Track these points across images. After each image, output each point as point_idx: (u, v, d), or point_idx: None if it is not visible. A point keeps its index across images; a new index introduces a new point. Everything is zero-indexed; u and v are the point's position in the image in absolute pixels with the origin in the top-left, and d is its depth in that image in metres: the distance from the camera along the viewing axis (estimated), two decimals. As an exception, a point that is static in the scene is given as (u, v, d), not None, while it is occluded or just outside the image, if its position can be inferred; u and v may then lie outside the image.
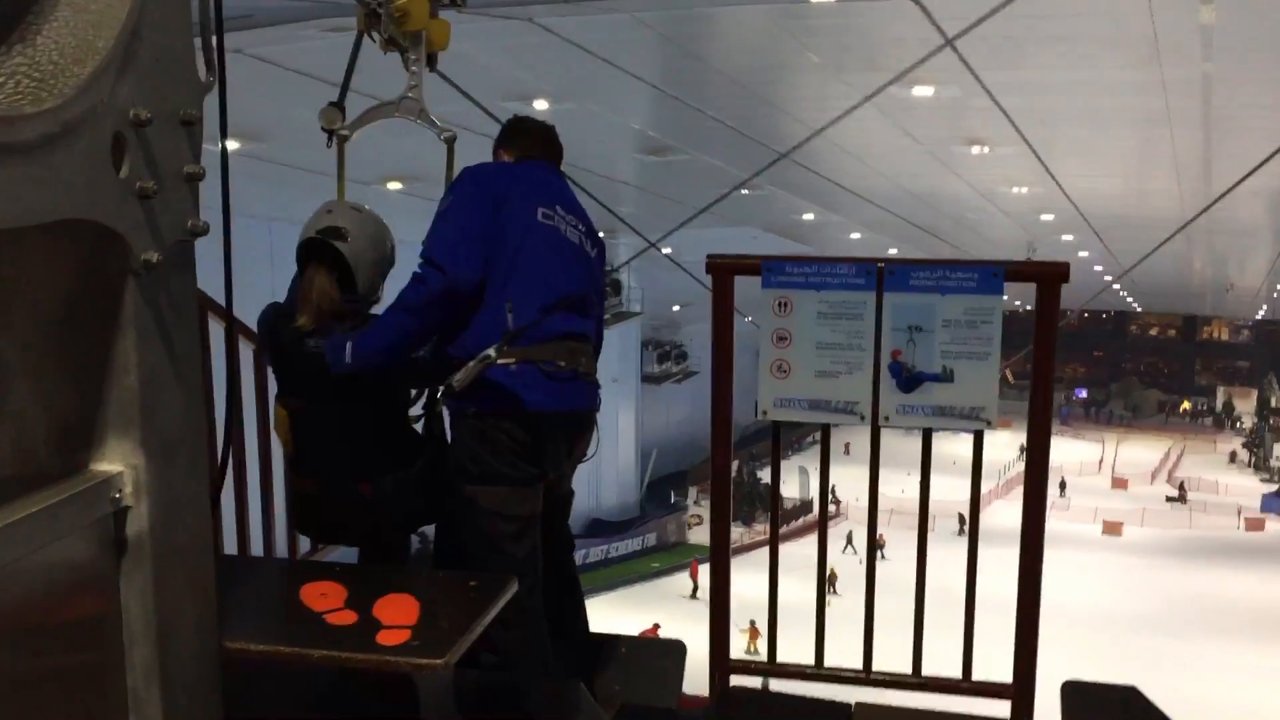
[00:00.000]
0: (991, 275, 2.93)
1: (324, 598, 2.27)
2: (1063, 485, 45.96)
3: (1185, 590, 32.31)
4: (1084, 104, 16.14)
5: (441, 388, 3.09)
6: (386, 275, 3.26)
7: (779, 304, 3.04)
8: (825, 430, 3.22)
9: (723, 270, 3.09)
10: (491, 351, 2.93)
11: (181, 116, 1.83)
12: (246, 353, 3.89)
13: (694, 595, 28.42)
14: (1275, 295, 41.30)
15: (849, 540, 27.95)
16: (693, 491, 38.84)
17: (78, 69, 1.59)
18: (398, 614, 2.21)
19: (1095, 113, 16.68)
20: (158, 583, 1.82)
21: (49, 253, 1.70)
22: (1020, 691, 3.13)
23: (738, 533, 30.63)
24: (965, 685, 3.23)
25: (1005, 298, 2.94)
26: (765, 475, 34.79)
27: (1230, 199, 22.03)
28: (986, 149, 18.84)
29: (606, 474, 35.69)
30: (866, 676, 3.26)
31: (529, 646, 3.14)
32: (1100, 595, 31.54)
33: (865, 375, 3.02)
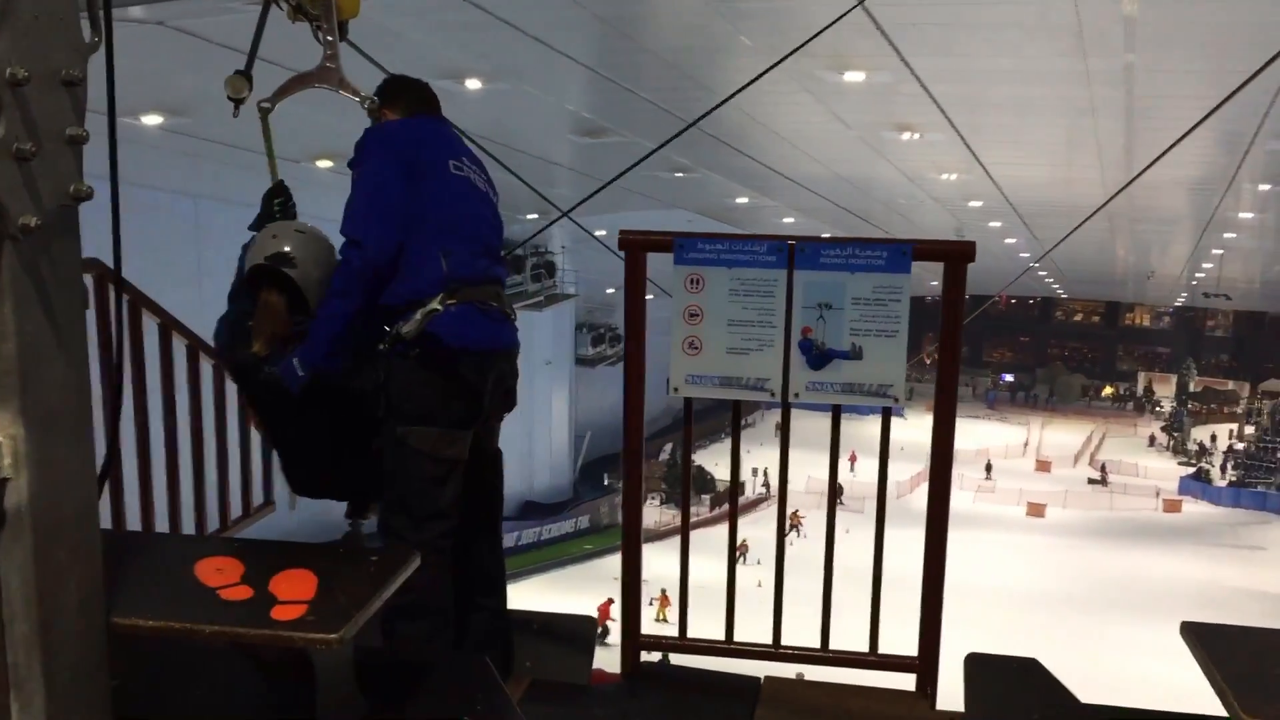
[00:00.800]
0: (900, 254, 2.96)
1: (219, 573, 2.23)
2: (989, 468, 46.81)
3: (1104, 569, 33.17)
4: (1010, 92, 16.38)
5: (386, 338, 3.11)
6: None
7: (691, 280, 3.05)
8: (736, 407, 3.24)
9: (635, 246, 3.09)
10: (436, 304, 3.05)
11: (63, 77, 1.77)
12: (152, 327, 3.81)
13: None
14: (1194, 283, 42.33)
15: (794, 524, 28.15)
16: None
17: (-53, 24, 1.53)
18: (295, 589, 2.17)
19: (1021, 101, 16.93)
20: (38, 556, 1.78)
21: (-81, 215, 1.65)
22: (925, 664, 3.19)
23: (670, 514, 30.76)
24: (872, 659, 3.28)
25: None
26: (698, 458, 35.01)
27: (1152, 188, 22.55)
28: (916, 135, 19.04)
29: (540, 456, 35.65)
30: (775, 650, 3.29)
31: (434, 590, 3.19)
32: (1021, 575, 32.27)
33: (776, 352, 3.04)
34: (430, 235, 3.13)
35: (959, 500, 42.13)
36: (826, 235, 22.36)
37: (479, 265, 3.22)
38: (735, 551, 3.38)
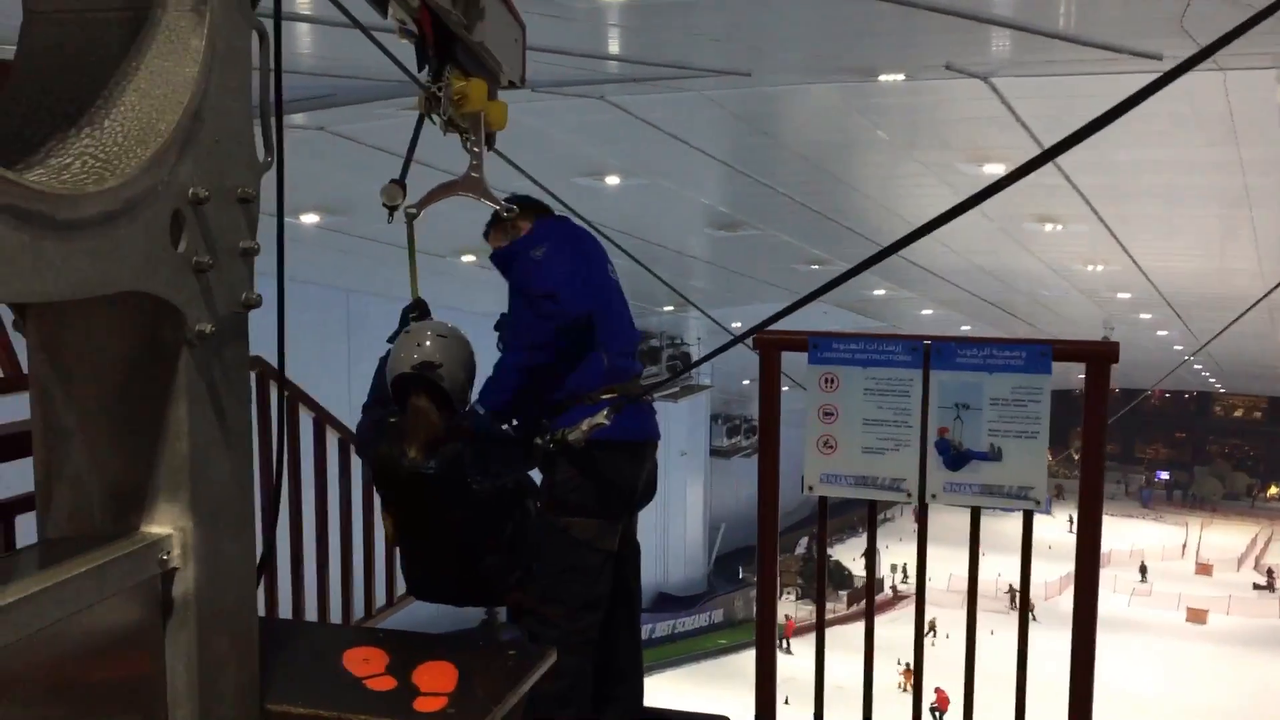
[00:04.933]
0: (1039, 354, 2.91)
1: (366, 663, 2.31)
2: (1144, 570, 44.56)
3: (1272, 682, 30.97)
4: (1160, 182, 15.97)
5: (548, 442, 3.22)
6: (474, 382, 3.44)
7: (826, 380, 3.05)
8: (872, 507, 3.21)
9: (770, 346, 3.12)
10: (603, 418, 3.19)
11: (239, 195, 1.92)
12: (307, 420, 3.99)
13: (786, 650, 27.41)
14: (1366, 377, 39.99)
15: (932, 627, 27.05)
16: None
17: (141, 150, 1.69)
18: (436, 681, 2.24)
19: (1172, 190, 16.49)
20: (202, 644, 1.88)
21: (109, 322, 1.80)
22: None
23: (805, 610, 30.11)
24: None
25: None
26: (836, 553, 34.29)
27: (1315, 278, 21.42)
28: (1060, 226, 18.67)
29: (674, 548, 35.46)
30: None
31: (581, 678, 3.28)
32: (1183, 686, 30.42)
33: (912, 452, 3.00)
34: (591, 334, 3.34)
35: (1113, 603, 40.20)
36: (966, 328, 22.09)
37: (627, 363, 3.48)
38: (872, 650, 3.30)
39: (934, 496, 3.01)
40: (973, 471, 2.98)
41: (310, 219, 16.18)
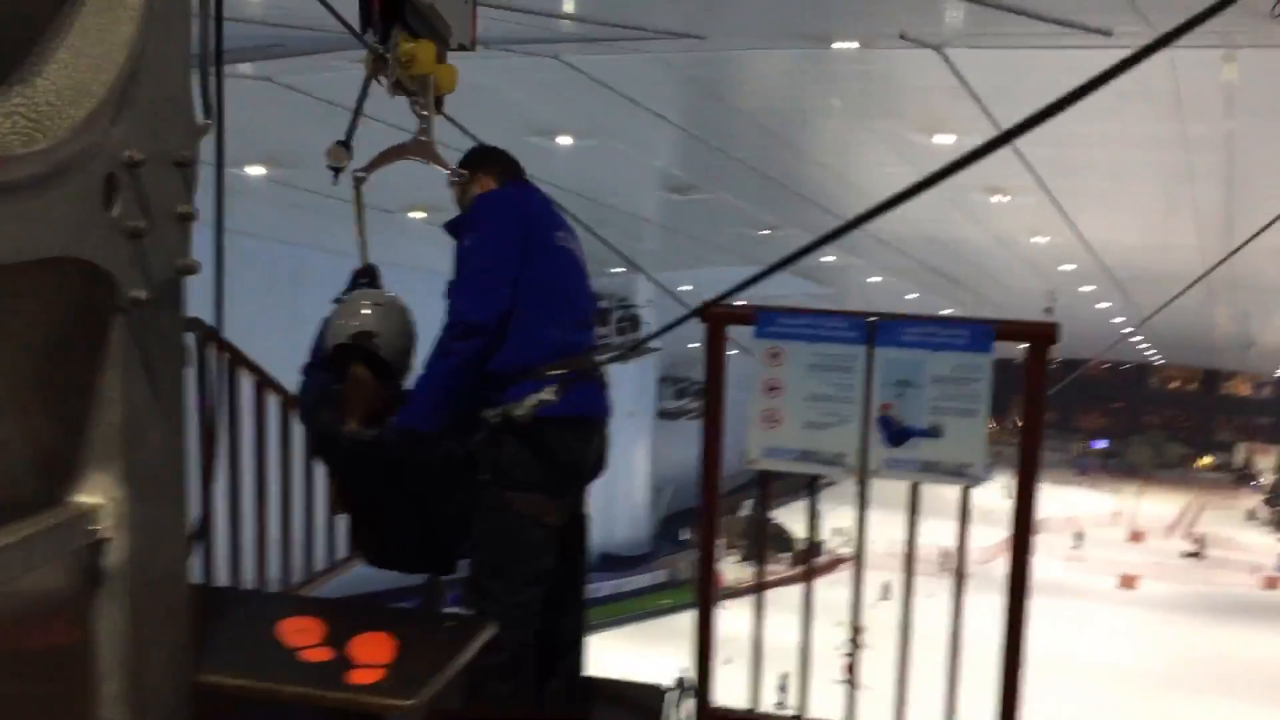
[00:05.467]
0: (982, 334, 2.94)
1: (302, 633, 2.29)
2: (1079, 536, 45.55)
3: (1199, 647, 31.92)
4: (1107, 156, 16.16)
5: (494, 416, 3.18)
6: (413, 351, 3.41)
7: (771, 354, 3.06)
8: (813, 481, 3.23)
9: (718, 319, 3.12)
10: (549, 394, 3.10)
11: (175, 158, 1.87)
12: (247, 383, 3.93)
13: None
14: (1298, 353, 41.00)
15: (886, 590, 27.37)
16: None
17: (73, 111, 1.63)
18: (373, 652, 2.22)
19: (1117, 165, 16.69)
20: (133, 615, 1.85)
21: (38, 288, 1.75)
22: (1002, 751, 3.11)
23: (748, 572, 30.41)
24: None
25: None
26: (779, 517, 34.65)
27: (1253, 256, 21.92)
28: (1008, 198, 18.85)
29: (619, 509, 35.59)
30: (848, 729, 3.24)
31: (524, 651, 3.26)
32: (1113, 649, 31.23)
33: (854, 428, 3.03)
34: (539, 306, 3.24)
35: (1047, 569, 40.99)
36: (913, 295, 22.28)
37: (580, 335, 3.38)
38: (810, 624, 3.34)
39: (875, 472, 3.04)
40: (913, 448, 3.01)
41: (257, 171, 15.91)
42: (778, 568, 34.06)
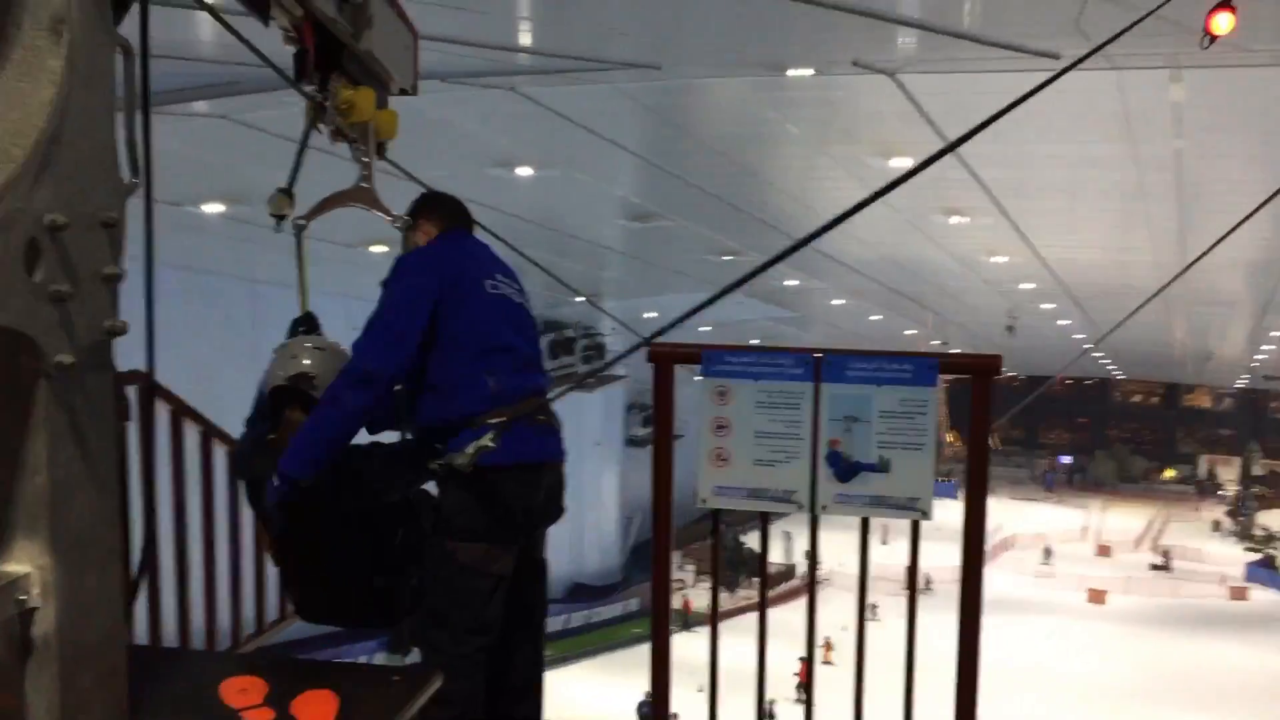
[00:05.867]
0: (927, 367, 2.97)
1: (243, 694, 2.25)
2: (1048, 552, 45.88)
3: (1168, 659, 32.20)
4: (1060, 177, 16.38)
5: (438, 466, 3.15)
6: None
7: (718, 393, 3.07)
8: (764, 519, 3.24)
9: (664, 358, 3.13)
10: (489, 440, 3.05)
11: (101, 219, 1.85)
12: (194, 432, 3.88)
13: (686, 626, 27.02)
14: (1254, 365, 41.56)
15: (873, 610, 27.05)
16: (677, 556, 38.56)
17: (-9, 178, 1.62)
18: (316, 711, 2.19)
19: (1072, 185, 16.93)
20: (64, 683, 1.81)
21: (-41, 355, 1.72)
22: (960, 783, 3.12)
23: (721, 597, 30.37)
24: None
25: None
26: (749, 540, 34.68)
27: (1208, 271, 22.30)
28: (966, 219, 19.05)
29: (589, 538, 35.51)
30: (806, 767, 3.24)
31: (470, 703, 3.21)
32: (1083, 663, 31.41)
33: (803, 464, 3.04)
34: (473, 356, 3.22)
35: (1016, 585, 41.36)
36: (876, 317, 22.41)
37: (521, 380, 3.32)
38: (764, 647, 3.34)
39: (824, 508, 3.05)
40: (862, 483, 3.03)
41: (214, 209, 15.80)
42: (749, 592, 34.11)
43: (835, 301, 30.61)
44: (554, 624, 31.25)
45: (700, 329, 30.41)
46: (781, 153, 16.80)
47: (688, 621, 25.23)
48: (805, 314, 33.33)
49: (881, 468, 3.00)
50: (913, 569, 3.20)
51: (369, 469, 3.16)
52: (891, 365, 2.99)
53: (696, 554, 34.26)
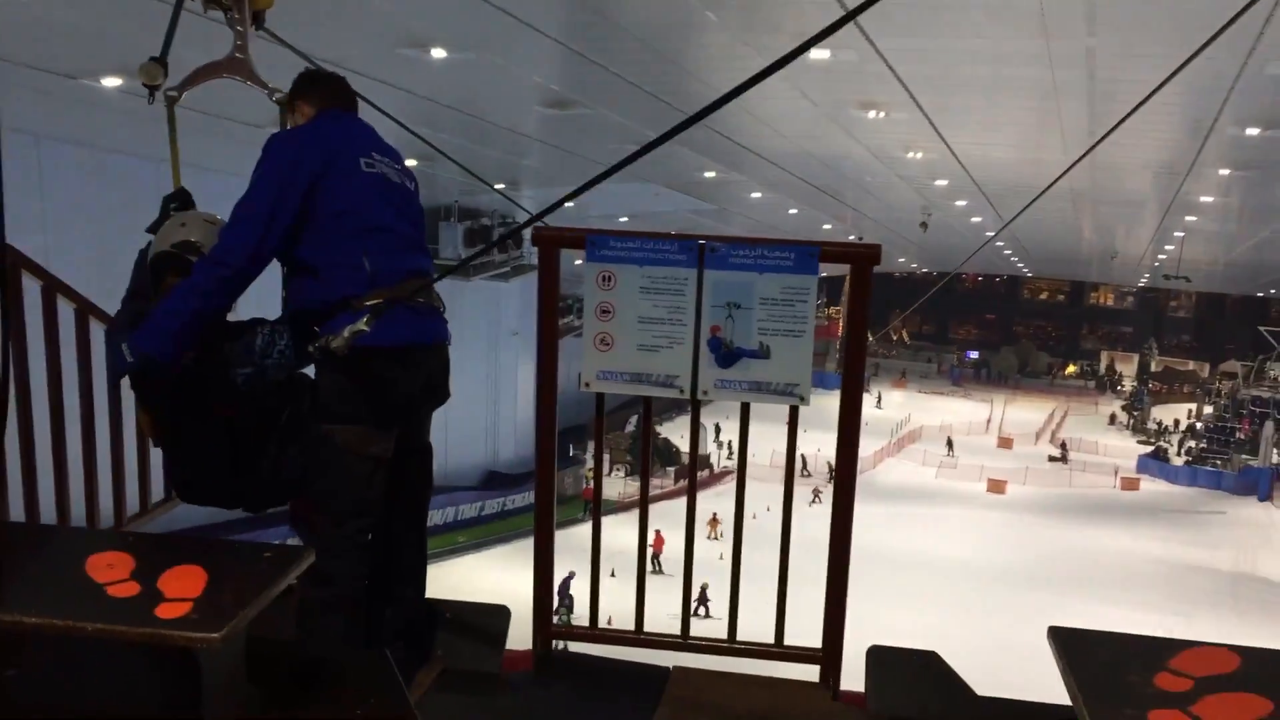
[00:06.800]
0: (807, 255, 3.00)
1: (110, 568, 2.25)
2: (950, 444, 47.28)
3: (1061, 545, 33.65)
4: (975, 72, 16.42)
5: (313, 349, 3.12)
6: None
7: (603, 278, 3.08)
8: (646, 403, 3.28)
9: (548, 242, 3.11)
10: (363, 324, 3.02)
11: None
12: (67, 311, 3.77)
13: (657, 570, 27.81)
14: (1156, 264, 42.72)
15: (816, 494, 27.69)
16: (591, 445, 38.87)
17: None
18: (183, 586, 2.19)
19: (986, 81, 16.99)
20: None
21: None
22: (828, 657, 3.25)
23: (633, 487, 30.86)
24: (776, 650, 3.34)
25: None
26: (663, 430, 35.17)
27: (1115, 170, 22.67)
28: (882, 114, 19.07)
29: (504, 427, 35.67)
30: (683, 642, 3.35)
31: (352, 583, 3.24)
32: (981, 550, 32.68)
33: (685, 350, 3.07)
34: (347, 236, 3.14)
35: (922, 476, 42.73)
36: (793, 211, 22.48)
37: (400, 261, 3.24)
38: (645, 545, 3.43)
39: (705, 393, 3.10)
40: (743, 369, 3.07)
41: (113, 83, 15.12)
42: (663, 480, 34.73)
43: (754, 195, 30.60)
44: (468, 511, 31.57)
45: (620, 220, 30.24)
46: (701, 40, 16.54)
47: (588, 507, 25.91)
48: (724, 207, 33.28)
49: (762, 354, 3.05)
50: (790, 453, 3.28)
51: (237, 348, 3.10)
52: (773, 253, 3.01)
53: (612, 442, 34.67)
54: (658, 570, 21.98)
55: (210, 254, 3.07)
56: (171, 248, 3.14)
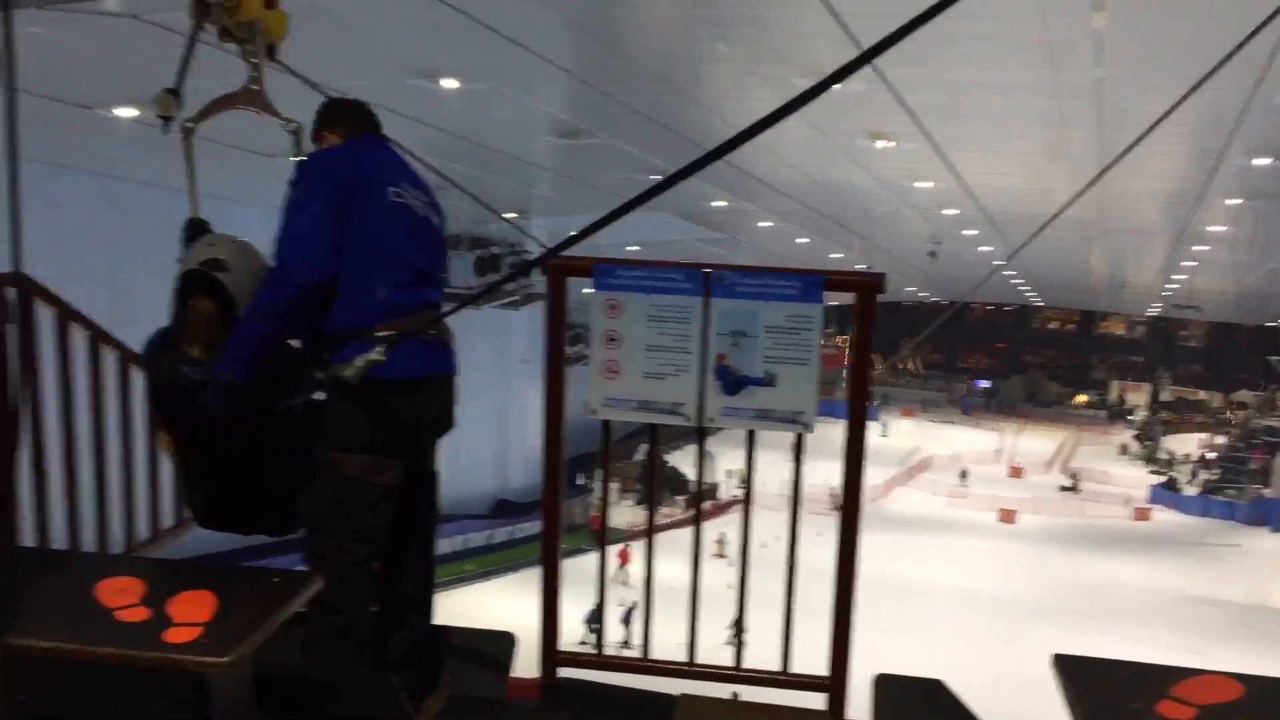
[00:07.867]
0: (813, 284, 3.02)
1: (120, 593, 2.27)
2: (964, 474, 47.09)
3: (1072, 576, 33.42)
4: (984, 103, 16.49)
5: (323, 377, 3.15)
6: None
7: (610, 306, 3.10)
8: (653, 430, 3.30)
9: (556, 271, 3.15)
10: (377, 354, 3.03)
11: None
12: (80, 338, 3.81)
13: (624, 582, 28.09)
14: (1166, 294, 42.65)
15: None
16: (600, 474, 38.70)
17: None
18: (192, 611, 2.21)
19: (995, 112, 17.06)
20: None
21: None
22: (835, 684, 3.25)
23: (644, 514, 30.80)
24: (783, 678, 3.34)
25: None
26: (671, 459, 35.10)
27: (1124, 200, 22.67)
28: (891, 143, 19.15)
29: (514, 455, 35.66)
30: (690, 668, 3.35)
31: (358, 610, 3.26)
32: (991, 580, 32.47)
33: (691, 378, 3.10)
34: (366, 265, 3.17)
35: (932, 505, 42.52)
36: (803, 240, 22.58)
37: (414, 295, 3.27)
38: (651, 574, 3.44)
39: (711, 420, 3.12)
40: (749, 396, 3.09)
41: (127, 113, 15.28)
42: (672, 509, 34.63)
43: (763, 224, 30.68)
44: (477, 540, 31.49)
45: (629, 248, 30.33)
46: (710, 71, 16.66)
47: (595, 538, 26.03)
48: (733, 236, 33.36)
49: (767, 382, 3.07)
50: (796, 481, 3.29)
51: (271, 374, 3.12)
52: (779, 281, 3.04)
53: (619, 472, 34.61)
54: (624, 583, 22.37)
55: (269, 274, 3.11)
56: (199, 265, 3.17)
